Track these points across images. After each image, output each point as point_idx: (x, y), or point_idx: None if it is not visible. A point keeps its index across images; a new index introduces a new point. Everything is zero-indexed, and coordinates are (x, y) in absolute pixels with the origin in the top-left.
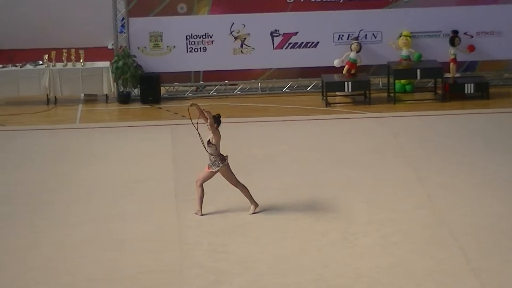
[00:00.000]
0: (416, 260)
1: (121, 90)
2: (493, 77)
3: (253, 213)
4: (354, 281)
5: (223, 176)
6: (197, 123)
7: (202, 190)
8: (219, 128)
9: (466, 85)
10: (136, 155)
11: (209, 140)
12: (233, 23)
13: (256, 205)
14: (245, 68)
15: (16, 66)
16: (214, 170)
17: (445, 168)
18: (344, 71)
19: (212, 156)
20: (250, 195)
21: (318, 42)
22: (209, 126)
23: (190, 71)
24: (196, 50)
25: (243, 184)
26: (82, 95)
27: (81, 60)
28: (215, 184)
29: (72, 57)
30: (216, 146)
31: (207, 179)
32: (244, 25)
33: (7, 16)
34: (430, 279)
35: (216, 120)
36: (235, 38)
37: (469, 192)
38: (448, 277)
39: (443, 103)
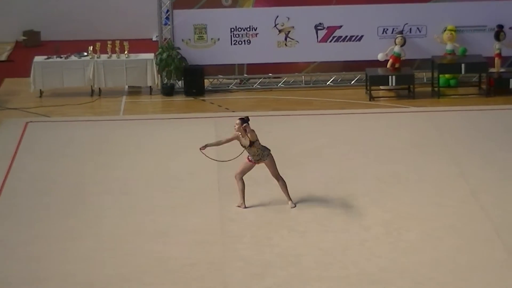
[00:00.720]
0: (460, 256)
1: (165, 82)
2: None
3: (293, 207)
4: (398, 276)
5: (268, 166)
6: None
7: (243, 183)
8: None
9: (511, 80)
10: (180, 147)
11: (250, 142)
12: (277, 16)
13: (291, 200)
14: (289, 61)
15: (61, 57)
16: (259, 160)
17: (488, 163)
18: (388, 65)
19: (257, 150)
20: (287, 190)
21: (362, 36)
22: (242, 135)
23: (234, 64)
24: (240, 42)
25: (283, 178)
26: (126, 87)
27: (126, 52)
28: (258, 177)
29: (117, 49)
30: (257, 142)
31: (247, 171)
32: (289, 18)
33: (53, 8)
34: (474, 275)
35: (244, 121)
36: (280, 31)
37: None
38: (491, 273)
39: (488, 98)
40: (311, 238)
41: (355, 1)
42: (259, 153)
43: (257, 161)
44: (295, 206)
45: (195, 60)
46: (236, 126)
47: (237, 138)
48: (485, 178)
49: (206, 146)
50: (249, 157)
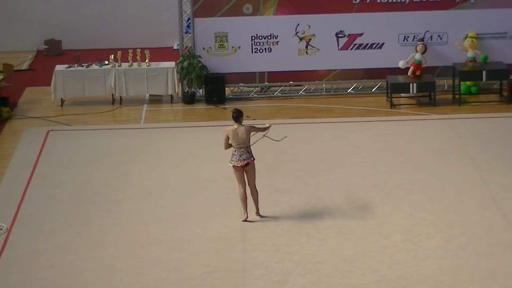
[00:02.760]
0: (481, 263)
1: (186, 90)
2: None
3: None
4: (417, 283)
5: (249, 173)
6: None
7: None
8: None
9: None
10: (201, 155)
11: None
12: (298, 24)
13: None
14: (310, 69)
15: (82, 66)
16: (251, 160)
17: (510, 170)
18: (409, 73)
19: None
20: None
21: (383, 43)
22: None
23: (255, 72)
24: (261, 50)
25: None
26: (147, 95)
27: (147, 60)
28: (279, 185)
29: (138, 57)
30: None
31: (243, 178)
32: (309, 26)
33: (74, 17)
34: (495, 282)
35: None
36: (300, 39)
37: None
38: None
39: (509, 105)
40: (330, 245)
41: (376, 9)
42: (245, 145)
43: (238, 162)
44: (252, 221)
45: (216, 68)
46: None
47: (228, 138)
48: (507, 185)
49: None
50: (231, 163)
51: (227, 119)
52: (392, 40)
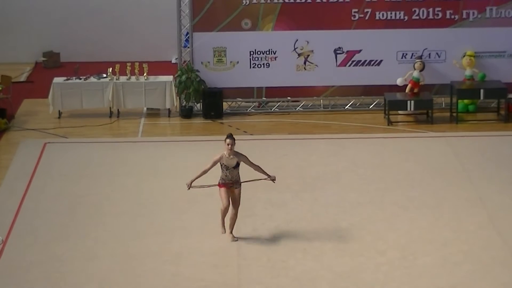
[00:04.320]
0: (477, 281)
1: (183, 104)
2: None
3: (234, 240)
4: None
5: (235, 195)
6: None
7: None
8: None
9: None
10: (197, 169)
11: (237, 163)
12: (297, 40)
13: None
14: (308, 85)
15: (80, 78)
16: (232, 186)
17: (506, 188)
18: (407, 90)
19: (238, 174)
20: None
21: (381, 60)
22: (230, 154)
23: (253, 87)
24: (259, 66)
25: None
26: (145, 108)
27: (145, 74)
28: (275, 200)
29: (136, 71)
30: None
31: (229, 196)
32: (308, 42)
33: (73, 29)
34: None
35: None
36: (299, 54)
37: None
38: None
39: (506, 123)
40: (326, 261)
41: (375, 26)
42: (237, 179)
43: (230, 186)
44: (237, 240)
45: (214, 83)
46: (230, 146)
47: (220, 159)
48: (503, 204)
49: (191, 182)
50: (220, 182)
51: (224, 134)
52: (391, 57)
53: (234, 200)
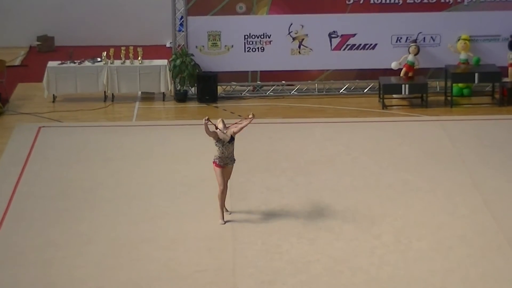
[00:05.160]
0: (471, 266)
1: (178, 88)
2: None
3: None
4: (407, 284)
5: (229, 173)
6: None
7: (224, 195)
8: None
9: None
10: (193, 153)
11: (231, 137)
12: (291, 24)
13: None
14: (302, 69)
15: (74, 63)
16: (226, 164)
17: (501, 173)
18: (402, 74)
19: (232, 150)
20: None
21: (376, 44)
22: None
23: (248, 71)
24: (254, 50)
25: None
26: (139, 93)
27: (139, 58)
28: (270, 184)
29: (130, 55)
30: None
31: (225, 177)
32: (303, 26)
33: (67, 13)
34: (485, 285)
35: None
36: (293, 38)
37: None
38: (503, 283)
39: (501, 107)
40: (321, 245)
41: (369, 10)
42: (232, 155)
43: (225, 165)
44: (230, 213)
45: (208, 67)
46: (221, 125)
47: (216, 134)
48: (498, 188)
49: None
50: (216, 161)
51: (219, 118)
52: (385, 41)
53: (228, 176)
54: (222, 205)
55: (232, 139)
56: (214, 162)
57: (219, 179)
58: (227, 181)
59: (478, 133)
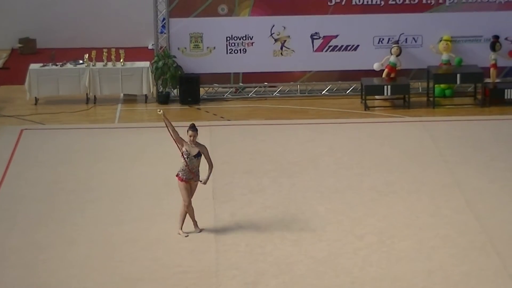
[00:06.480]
0: (454, 266)
1: (160, 90)
2: None
3: (199, 231)
4: (390, 285)
5: (192, 190)
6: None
7: (192, 209)
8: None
9: (506, 90)
10: (175, 155)
11: (199, 152)
12: (273, 25)
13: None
14: (284, 70)
15: (56, 65)
16: (190, 179)
17: (483, 173)
18: (384, 75)
19: (198, 166)
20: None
21: (358, 46)
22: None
23: (230, 73)
24: (236, 51)
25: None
26: (122, 95)
27: (121, 60)
28: (253, 186)
29: (113, 57)
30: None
31: (190, 193)
32: (285, 27)
33: (49, 15)
34: (467, 285)
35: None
36: (275, 40)
37: (507, 198)
38: (485, 284)
39: (483, 108)
40: (304, 246)
41: (351, 11)
42: (196, 171)
43: (188, 180)
44: (201, 231)
45: (191, 68)
46: (192, 138)
47: (183, 144)
48: (480, 188)
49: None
50: (179, 174)
51: (201, 119)
52: (367, 42)
53: (192, 194)
54: (182, 221)
55: (199, 154)
56: (177, 175)
57: (183, 194)
58: (191, 198)
59: (460, 133)
